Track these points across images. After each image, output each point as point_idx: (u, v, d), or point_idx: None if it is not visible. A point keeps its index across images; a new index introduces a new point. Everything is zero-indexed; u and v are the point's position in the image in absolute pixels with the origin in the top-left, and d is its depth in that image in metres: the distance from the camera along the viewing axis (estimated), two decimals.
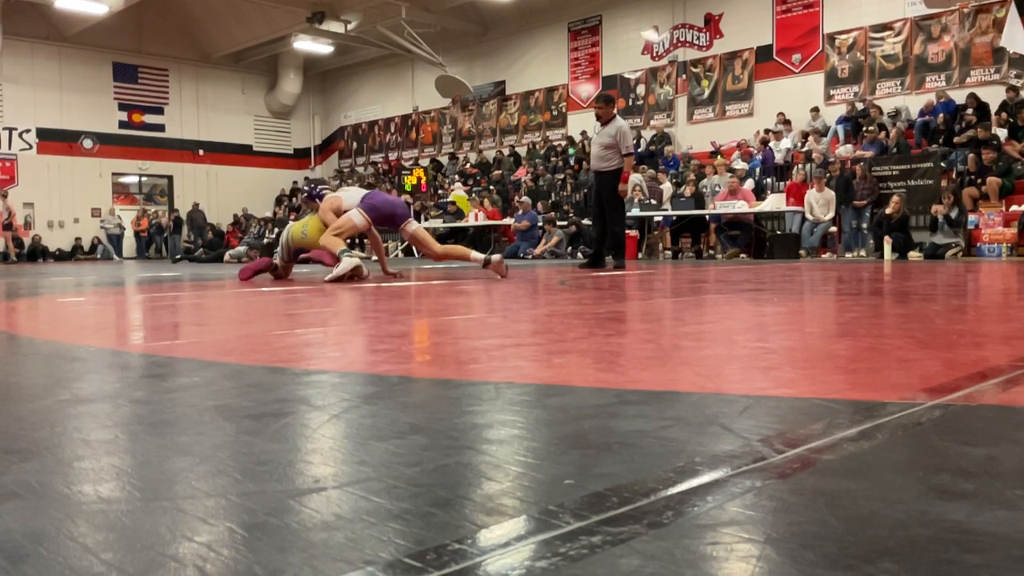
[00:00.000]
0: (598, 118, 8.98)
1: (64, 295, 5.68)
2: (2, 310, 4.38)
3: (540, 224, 15.60)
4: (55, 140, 22.49)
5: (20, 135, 22.04)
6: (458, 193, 18.70)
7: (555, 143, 20.15)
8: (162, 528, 0.84)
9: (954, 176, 12.60)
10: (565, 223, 15.77)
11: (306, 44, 22.34)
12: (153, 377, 1.91)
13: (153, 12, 22.47)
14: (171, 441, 1.23)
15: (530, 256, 15.02)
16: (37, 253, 20.99)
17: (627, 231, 11.44)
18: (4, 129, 21.80)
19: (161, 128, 24.44)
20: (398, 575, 0.72)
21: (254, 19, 21.68)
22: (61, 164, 22.56)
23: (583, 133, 18.60)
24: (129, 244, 23.20)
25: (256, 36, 22.47)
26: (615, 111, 9.01)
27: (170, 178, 24.97)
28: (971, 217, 11.80)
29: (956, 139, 13.14)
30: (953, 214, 11.74)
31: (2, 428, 1.37)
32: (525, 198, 16.43)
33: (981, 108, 13.27)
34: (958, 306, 3.78)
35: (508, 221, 16.55)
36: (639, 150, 17.24)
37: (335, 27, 20.63)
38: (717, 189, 14.18)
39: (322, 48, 23.03)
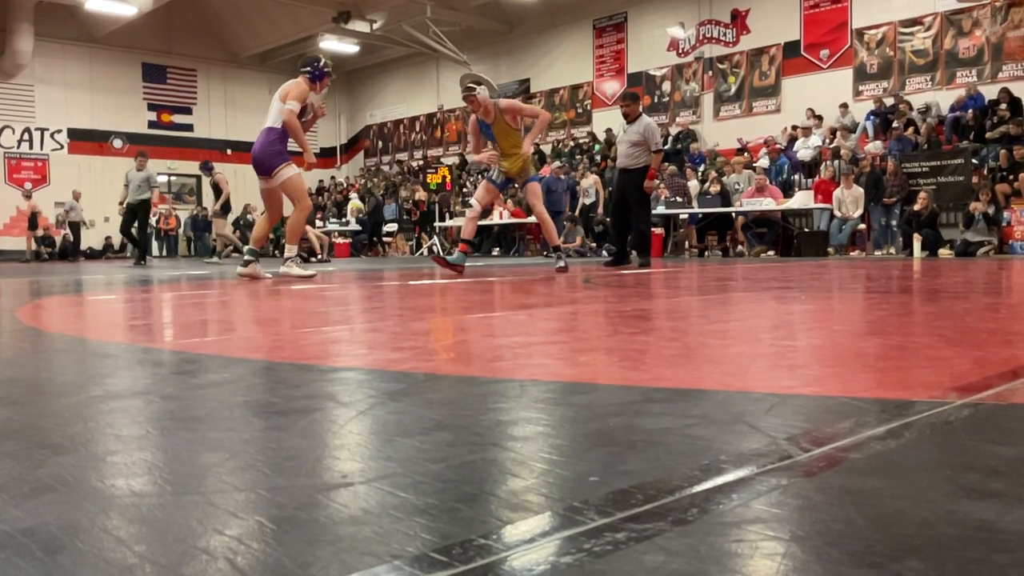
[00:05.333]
0: (625, 116, 8.96)
1: (94, 293, 5.76)
2: (33, 308, 4.45)
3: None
4: (86, 140, 22.82)
5: (52, 135, 22.39)
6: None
7: (580, 140, 20.11)
8: (193, 521, 0.86)
9: (986, 172, 12.41)
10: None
11: (332, 44, 22.45)
12: (183, 374, 1.93)
13: (181, 13, 22.72)
14: (201, 436, 1.25)
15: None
16: (67, 252, 21.30)
17: (653, 229, 11.39)
18: (36, 129, 22.17)
19: (189, 128, 24.70)
20: (424, 569, 0.72)
21: (281, 19, 21.85)
22: (92, 164, 22.87)
23: (608, 131, 18.54)
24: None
25: (283, 36, 22.64)
26: (641, 108, 9.02)
27: (198, 178, 25.17)
28: (1003, 214, 11.62)
29: (988, 135, 12.93)
30: (990, 211, 11.56)
31: (37, 423, 1.39)
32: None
33: (1014, 103, 13.06)
34: (989, 304, 3.72)
35: (532, 219, 16.55)
36: (665, 147, 17.14)
37: (361, 26, 20.73)
38: (736, 187, 14.08)
39: (348, 47, 23.14)
